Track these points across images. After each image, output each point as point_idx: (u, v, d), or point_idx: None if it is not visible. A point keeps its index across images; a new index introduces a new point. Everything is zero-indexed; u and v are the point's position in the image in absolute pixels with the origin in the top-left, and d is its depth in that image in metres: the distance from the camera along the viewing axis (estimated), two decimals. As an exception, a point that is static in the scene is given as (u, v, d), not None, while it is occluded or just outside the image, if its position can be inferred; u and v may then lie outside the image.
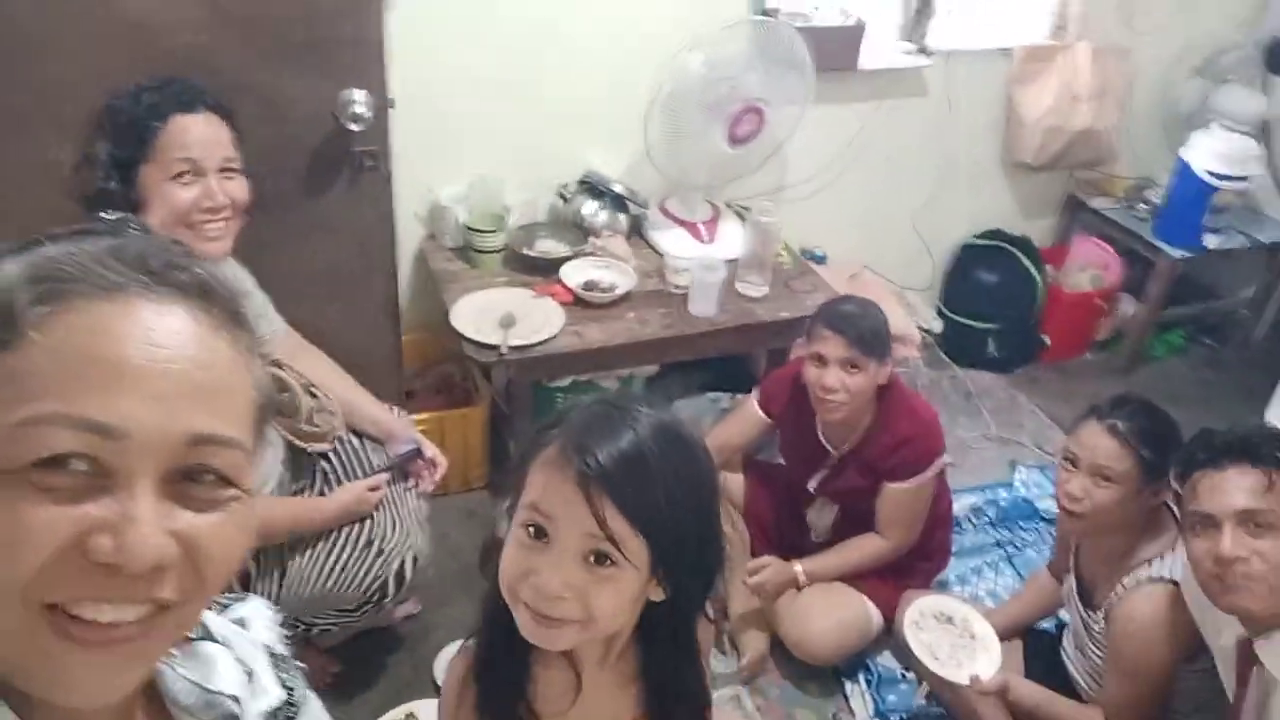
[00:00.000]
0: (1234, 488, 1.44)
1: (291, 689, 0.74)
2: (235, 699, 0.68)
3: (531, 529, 0.90)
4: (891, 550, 2.18)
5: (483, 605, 1.04)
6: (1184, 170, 3.12)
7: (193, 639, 0.68)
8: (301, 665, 0.79)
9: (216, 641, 0.70)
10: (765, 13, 2.65)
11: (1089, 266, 3.40)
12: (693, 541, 0.91)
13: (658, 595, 0.93)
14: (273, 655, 0.75)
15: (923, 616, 2.01)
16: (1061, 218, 3.55)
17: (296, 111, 1.95)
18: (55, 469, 0.48)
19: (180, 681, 0.66)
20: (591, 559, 0.88)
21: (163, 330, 0.51)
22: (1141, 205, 3.34)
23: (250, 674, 0.71)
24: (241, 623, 0.75)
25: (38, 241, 0.54)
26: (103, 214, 0.59)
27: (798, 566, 2.18)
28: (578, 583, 0.88)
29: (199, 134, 1.49)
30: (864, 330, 1.99)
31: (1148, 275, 3.32)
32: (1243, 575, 1.41)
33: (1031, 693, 1.89)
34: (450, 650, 2.15)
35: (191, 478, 0.52)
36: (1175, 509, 1.76)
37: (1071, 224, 3.52)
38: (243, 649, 0.72)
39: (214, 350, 0.53)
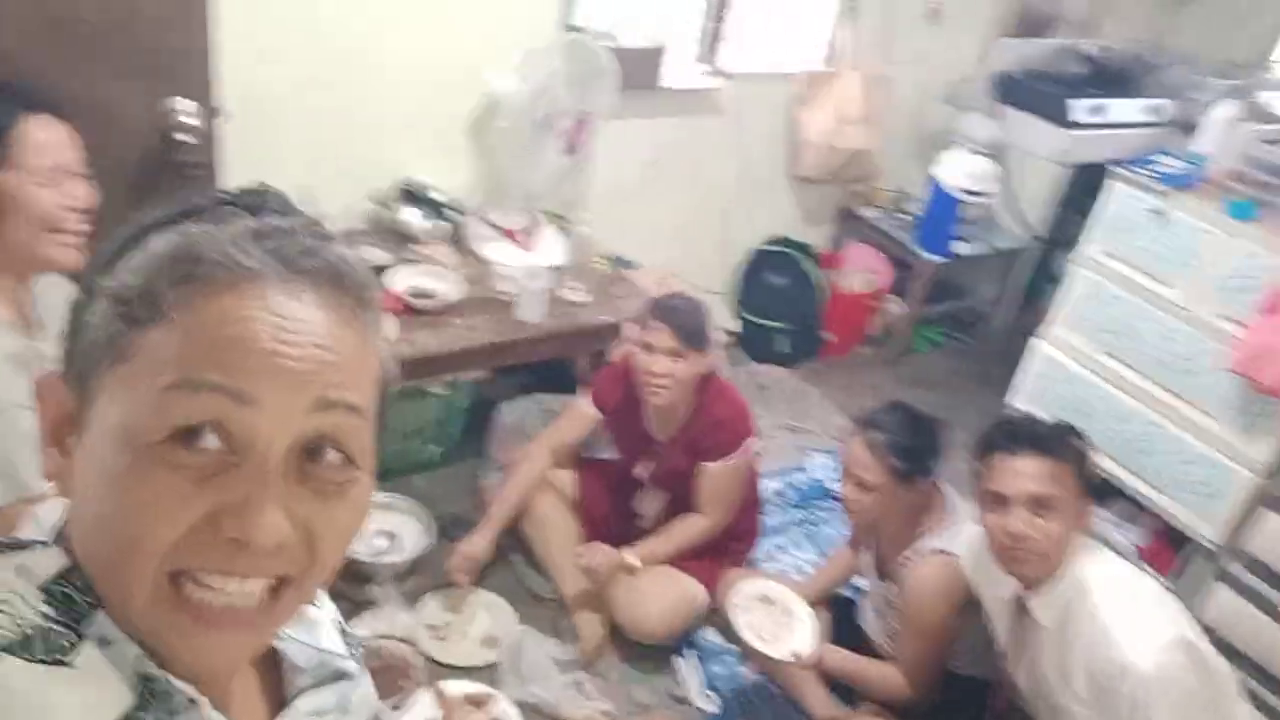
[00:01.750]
0: (1025, 473, 1.68)
1: (356, 659, 0.78)
2: (344, 656, 0.73)
3: None
4: (710, 527, 2.39)
5: None
6: (936, 186, 3.57)
7: None
8: (360, 637, 0.82)
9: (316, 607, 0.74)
10: (572, 28, 2.80)
11: (862, 270, 3.81)
12: None
13: None
14: (340, 626, 0.79)
15: (746, 599, 2.20)
16: (837, 226, 3.94)
17: (120, 122, 1.87)
18: (190, 446, 0.52)
19: (294, 644, 0.70)
20: None
21: (291, 316, 0.54)
22: (902, 215, 3.79)
23: (345, 634, 0.76)
24: None
25: (192, 210, 0.57)
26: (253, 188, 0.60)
27: (627, 554, 2.34)
28: None
29: (53, 136, 1.43)
30: (688, 324, 2.21)
31: (910, 278, 3.76)
32: (1028, 550, 1.68)
33: (843, 659, 2.17)
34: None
35: (315, 456, 0.55)
36: (944, 488, 2.07)
37: (846, 232, 3.92)
38: (332, 615, 0.76)
39: (340, 336, 0.56)
